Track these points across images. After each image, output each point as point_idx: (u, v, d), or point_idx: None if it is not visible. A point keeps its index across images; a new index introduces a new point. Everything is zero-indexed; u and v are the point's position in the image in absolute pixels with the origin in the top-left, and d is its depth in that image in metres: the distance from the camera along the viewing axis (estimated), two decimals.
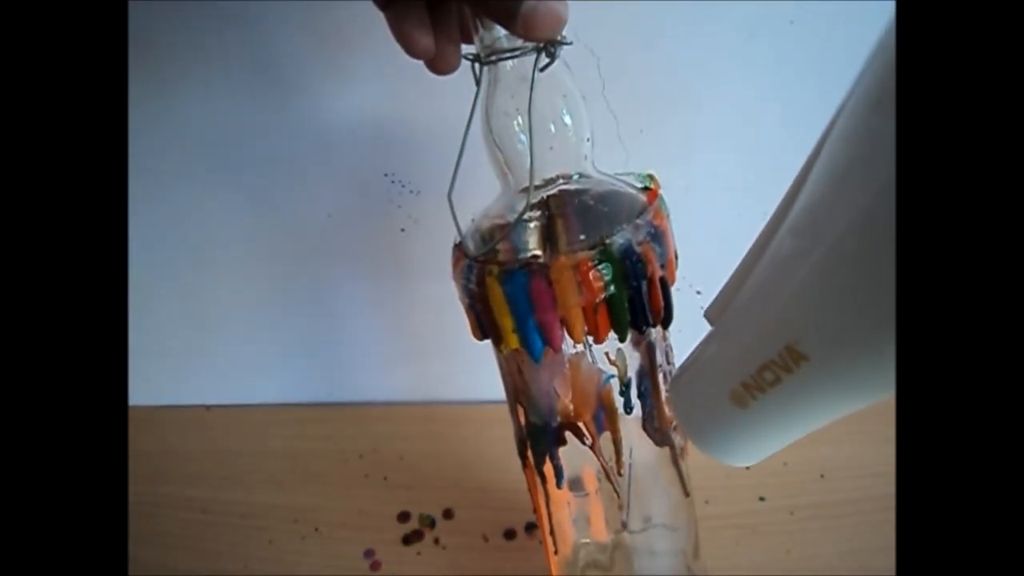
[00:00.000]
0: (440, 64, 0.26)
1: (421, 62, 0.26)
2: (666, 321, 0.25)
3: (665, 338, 0.27)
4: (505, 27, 0.22)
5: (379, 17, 0.36)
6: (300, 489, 0.44)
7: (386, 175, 0.45)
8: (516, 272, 0.24)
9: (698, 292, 0.41)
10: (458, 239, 0.27)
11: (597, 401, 0.26)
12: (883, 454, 0.45)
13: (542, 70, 0.23)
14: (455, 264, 0.26)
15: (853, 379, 0.16)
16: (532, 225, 0.26)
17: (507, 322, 0.24)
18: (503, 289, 0.24)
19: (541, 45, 0.23)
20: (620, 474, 0.28)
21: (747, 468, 0.44)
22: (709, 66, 0.40)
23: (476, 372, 0.52)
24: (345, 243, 0.47)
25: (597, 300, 0.23)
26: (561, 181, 0.26)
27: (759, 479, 0.44)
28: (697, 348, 0.22)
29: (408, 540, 0.41)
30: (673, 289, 0.25)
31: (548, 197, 0.26)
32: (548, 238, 0.25)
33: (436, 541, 0.41)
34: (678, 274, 0.26)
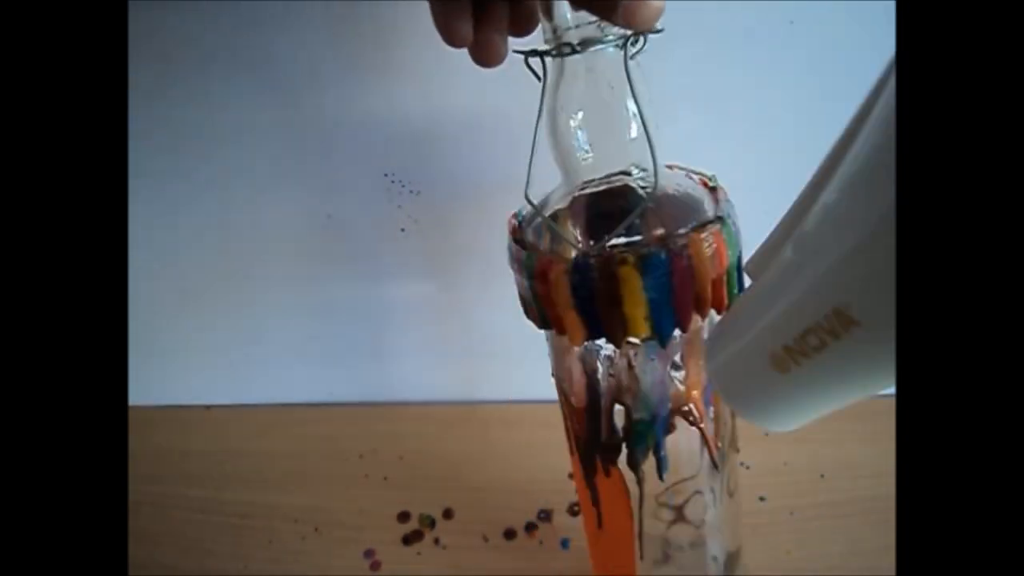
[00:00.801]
0: (487, 56, 0.25)
1: (456, 54, 0.26)
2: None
3: None
4: (603, 17, 0.21)
5: (379, 17, 0.36)
6: (300, 489, 0.44)
7: (386, 175, 0.45)
8: (655, 256, 0.23)
9: None
10: (533, 237, 0.26)
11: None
12: (883, 454, 0.45)
13: (632, 57, 0.23)
14: (550, 267, 0.24)
15: None
16: (561, 218, 0.26)
17: (639, 311, 0.23)
18: (643, 276, 0.23)
19: (630, 33, 0.23)
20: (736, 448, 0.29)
21: (747, 468, 0.44)
22: (709, 66, 0.40)
23: (476, 372, 0.52)
24: (345, 243, 0.47)
25: (723, 270, 0.23)
26: (637, 173, 0.26)
27: (759, 479, 0.44)
28: (736, 304, 0.21)
29: (408, 540, 0.41)
30: None
31: (617, 190, 0.26)
32: (592, 229, 0.25)
33: (436, 541, 0.41)
34: None
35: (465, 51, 0.28)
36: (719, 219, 0.24)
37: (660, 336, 0.24)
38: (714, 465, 0.29)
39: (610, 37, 0.23)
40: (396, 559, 0.39)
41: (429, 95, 0.42)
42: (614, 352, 0.26)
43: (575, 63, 0.24)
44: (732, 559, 0.33)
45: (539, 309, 0.25)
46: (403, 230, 0.47)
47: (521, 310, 0.29)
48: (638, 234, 0.24)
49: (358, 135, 0.44)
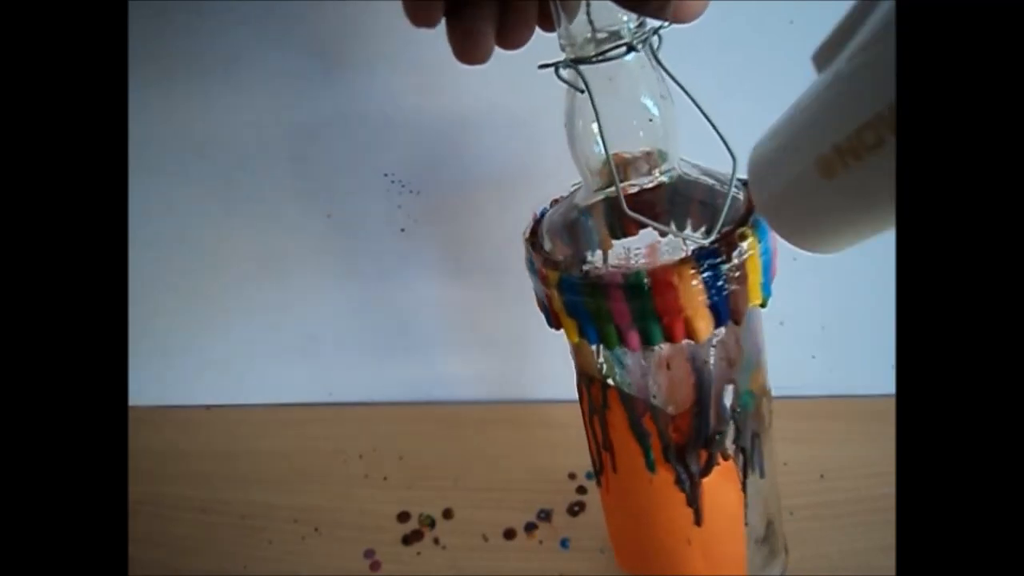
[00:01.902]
0: (513, 42, 0.25)
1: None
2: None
3: None
4: (653, 14, 0.22)
5: (380, 16, 0.36)
6: (300, 489, 0.44)
7: (386, 175, 0.45)
8: (768, 249, 0.25)
9: None
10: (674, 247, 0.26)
11: None
12: (883, 454, 0.45)
13: (656, 56, 0.24)
14: (672, 273, 0.24)
15: None
16: (592, 221, 0.26)
17: (757, 280, 0.25)
18: (759, 245, 0.25)
19: (656, 28, 0.23)
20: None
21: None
22: (708, 66, 0.40)
23: (476, 372, 0.52)
24: (345, 243, 0.47)
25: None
26: (667, 170, 0.26)
27: None
28: (790, 106, 0.19)
29: (408, 540, 0.41)
30: None
31: (675, 179, 0.26)
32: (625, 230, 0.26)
33: (436, 541, 0.41)
34: None
35: None
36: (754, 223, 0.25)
37: (768, 296, 0.26)
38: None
39: (638, 37, 0.23)
40: (396, 559, 0.39)
41: (429, 95, 0.42)
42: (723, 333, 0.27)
43: (595, 71, 0.24)
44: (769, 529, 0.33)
45: (648, 324, 0.25)
46: (403, 230, 0.47)
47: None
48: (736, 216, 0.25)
49: (358, 135, 0.44)
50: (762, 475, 0.30)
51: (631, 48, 0.23)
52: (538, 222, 0.29)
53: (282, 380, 0.52)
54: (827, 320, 0.49)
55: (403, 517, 0.42)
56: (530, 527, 0.41)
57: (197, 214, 0.47)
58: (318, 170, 0.45)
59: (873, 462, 0.44)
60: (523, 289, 0.48)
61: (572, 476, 0.45)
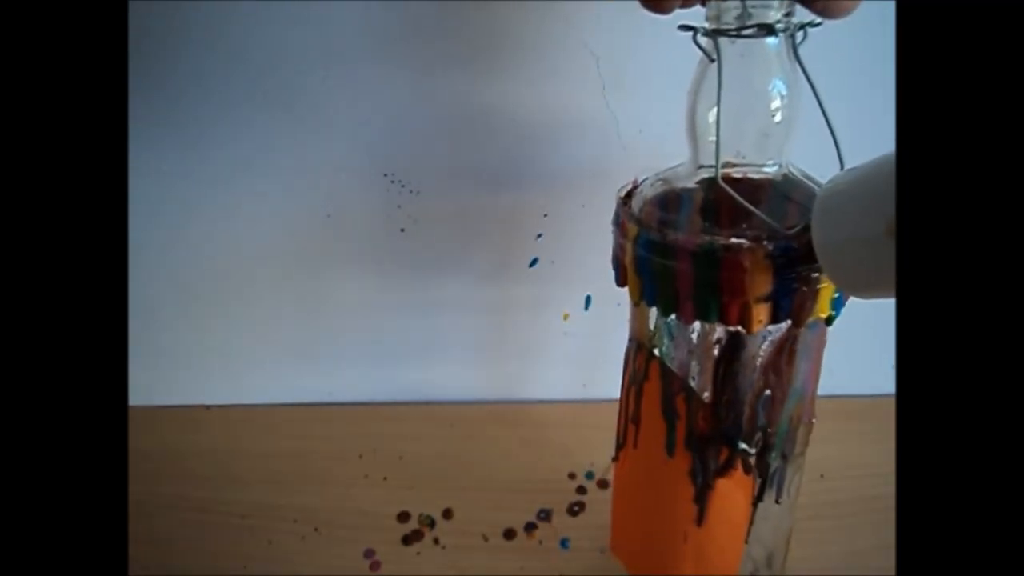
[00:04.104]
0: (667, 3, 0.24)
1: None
2: None
3: None
4: (805, 5, 0.22)
5: (380, 16, 0.36)
6: (300, 489, 0.44)
7: (386, 175, 0.45)
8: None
9: None
10: (739, 226, 0.25)
11: None
12: (883, 454, 0.45)
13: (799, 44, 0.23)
14: (749, 255, 0.23)
15: None
16: (688, 198, 0.26)
17: (830, 291, 0.24)
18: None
19: (804, 23, 0.23)
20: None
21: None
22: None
23: (476, 372, 0.52)
24: (345, 243, 0.47)
25: None
26: (776, 164, 0.26)
27: None
28: (866, 163, 0.20)
29: (408, 540, 0.41)
30: None
31: (757, 180, 0.26)
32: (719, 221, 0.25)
33: (436, 541, 0.41)
34: None
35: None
36: None
37: (837, 314, 0.25)
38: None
39: (781, 24, 0.23)
40: (396, 559, 0.39)
41: (429, 94, 0.42)
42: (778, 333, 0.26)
43: (729, 47, 0.24)
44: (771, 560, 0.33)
45: (708, 300, 0.24)
46: (403, 230, 0.47)
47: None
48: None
49: (358, 135, 0.44)
50: (777, 500, 0.30)
51: (772, 31, 0.23)
52: (636, 186, 0.28)
53: (282, 380, 0.52)
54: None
55: (403, 517, 0.42)
56: (530, 527, 0.41)
57: (197, 214, 0.46)
58: (318, 170, 0.45)
59: (873, 462, 0.44)
60: (523, 289, 0.48)
61: (572, 476, 0.45)
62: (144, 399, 0.51)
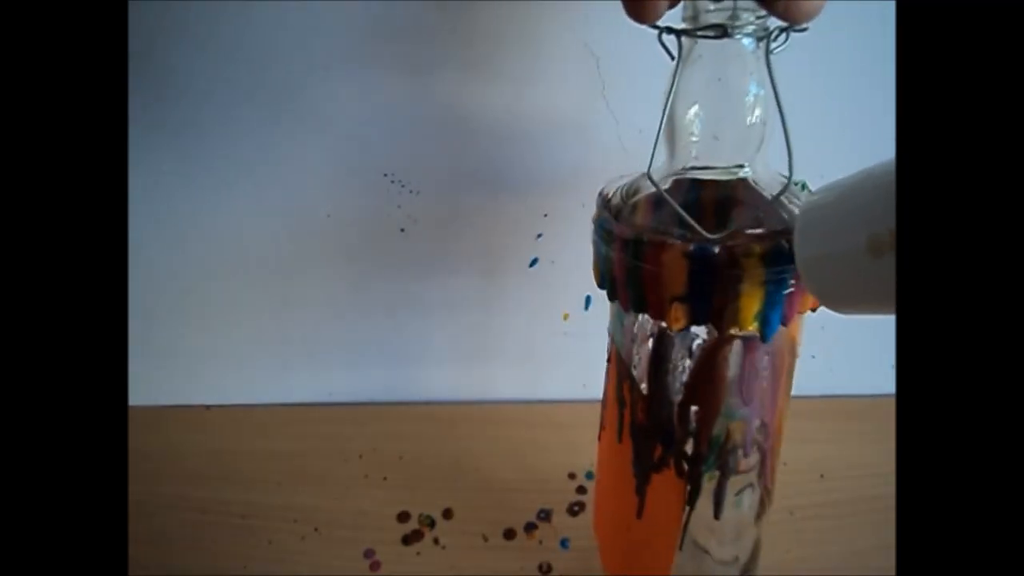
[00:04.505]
0: (649, 13, 0.25)
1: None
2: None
3: None
4: (764, 5, 0.21)
5: (379, 16, 0.36)
6: (300, 489, 0.44)
7: (386, 175, 0.45)
8: (780, 249, 0.23)
9: None
10: (643, 227, 0.25)
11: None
12: (883, 454, 0.45)
13: (774, 52, 0.23)
14: (663, 251, 0.24)
15: None
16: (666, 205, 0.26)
17: (754, 303, 0.24)
18: (764, 269, 0.23)
19: (775, 27, 0.23)
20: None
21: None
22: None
23: (476, 372, 0.52)
24: (345, 243, 0.47)
25: None
26: (739, 169, 0.26)
27: None
28: (849, 177, 0.20)
29: (408, 540, 0.41)
30: None
31: (729, 182, 0.25)
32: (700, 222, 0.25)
33: (436, 541, 0.41)
34: None
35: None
36: None
37: (767, 332, 0.24)
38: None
39: (751, 28, 0.23)
40: (396, 559, 0.39)
41: (429, 94, 0.42)
42: (704, 341, 0.26)
43: (705, 47, 0.24)
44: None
45: (636, 290, 0.25)
46: (403, 230, 0.47)
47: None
48: (760, 228, 0.24)
49: (358, 135, 0.44)
50: (716, 516, 0.29)
51: (725, 32, 0.23)
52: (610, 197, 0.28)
53: (282, 380, 0.52)
54: (827, 320, 0.49)
55: (403, 517, 0.42)
56: (530, 527, 0.41)
57: (197, 214, 0.46)
58: (317, 170, 0.45)
59: (873, 462, 0.44)
60: (523, 289, 0.48)
61: (572, 476, 0.45)
62: (144, 399, 0.51)
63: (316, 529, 0.42)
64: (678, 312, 0.24)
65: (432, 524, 0.42)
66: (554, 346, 0.50)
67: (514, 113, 0.42)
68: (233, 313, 0.50)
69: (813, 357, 0.51)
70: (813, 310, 0.25)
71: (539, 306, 0.48)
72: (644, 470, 0.29)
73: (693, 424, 0.27)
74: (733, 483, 0.29)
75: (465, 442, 0.48)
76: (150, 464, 0.46)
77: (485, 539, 0.41)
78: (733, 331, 0.24)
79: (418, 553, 0.40)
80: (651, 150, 0.25)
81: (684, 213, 0.24)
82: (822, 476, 0.44)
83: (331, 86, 0.42)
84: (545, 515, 0.42)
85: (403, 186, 0.45)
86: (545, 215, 0.45)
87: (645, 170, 0.25)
